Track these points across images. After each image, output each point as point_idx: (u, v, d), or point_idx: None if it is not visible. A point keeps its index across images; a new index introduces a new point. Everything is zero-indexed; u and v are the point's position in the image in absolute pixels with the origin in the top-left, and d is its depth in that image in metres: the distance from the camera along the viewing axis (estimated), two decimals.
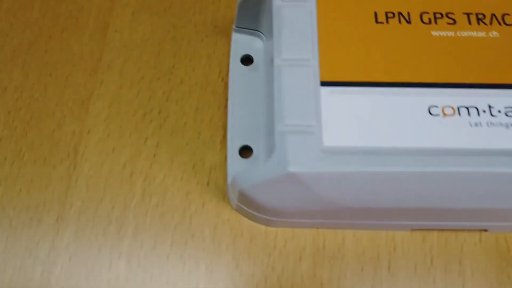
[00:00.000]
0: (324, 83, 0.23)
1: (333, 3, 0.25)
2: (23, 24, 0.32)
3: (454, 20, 0.25)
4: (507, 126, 0.22)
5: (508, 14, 0.25)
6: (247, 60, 0.30)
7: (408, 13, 0.25)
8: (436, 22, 0.25)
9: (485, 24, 0.25)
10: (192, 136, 0.29)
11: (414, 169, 0.21)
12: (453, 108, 0.23)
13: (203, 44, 0.32)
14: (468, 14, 0.25)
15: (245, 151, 0.28)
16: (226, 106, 0.30)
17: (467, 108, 0.23)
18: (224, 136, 0.29)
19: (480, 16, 0.25)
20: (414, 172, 0.22)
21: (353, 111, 0.23)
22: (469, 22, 0.25)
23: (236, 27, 0.30)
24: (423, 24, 0.25)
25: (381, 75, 0.24)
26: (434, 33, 0.25)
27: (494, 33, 0.25)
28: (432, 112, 0.23)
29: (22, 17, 0.33)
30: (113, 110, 0.30)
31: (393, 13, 0.25)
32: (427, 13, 0.25)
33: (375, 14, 0.25)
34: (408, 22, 0.25)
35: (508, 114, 0.23)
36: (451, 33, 0.25)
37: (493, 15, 0.25)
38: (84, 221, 0.27)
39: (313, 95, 0.23)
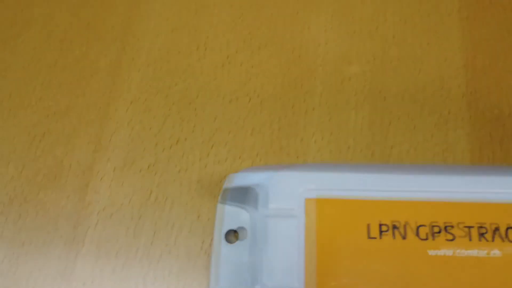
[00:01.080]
0: None
1: (324, 217, 0.23)
2: None
3: (453, 235, 0.23)
4: None
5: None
6: (233, 234, 0.28)
7: (405, 226, 0.23)
8: (433, 238, 0.23)
9: (487, 240, 0.23)
10: None
11: None
12: None
13: (187, 207, 0.30)
14: (469, 228, 0.23)
15: None
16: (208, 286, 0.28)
17: None
18: None
19: (482, 230, 0.23)
20: None
21: None
22: (470, 238, 0.23)
23: (221, 202, 0.28)
24: (419, 240, 0.23)
25: None
26: (430, 252, 0.22)
27: (496, 252, 0.22)
28: None
29: None
30: None
31: (388, 227, 0.23)
32: (424, 226, 0.23)
33: (368, 227, 0.23)
34: (403, 237, 0.23)
35: None
36: (449, 252, 0.22)
37: (496, 229, 0.23)
38: None
39: None
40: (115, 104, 0.33)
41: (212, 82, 0.34)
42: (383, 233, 0.23)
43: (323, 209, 0.23)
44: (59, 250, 0.29)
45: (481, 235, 0.23)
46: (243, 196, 0.26)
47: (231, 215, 0.28)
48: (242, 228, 0.28)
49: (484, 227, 0.23)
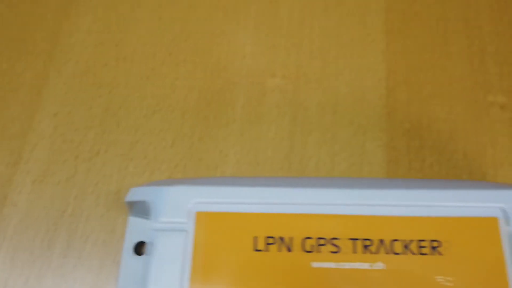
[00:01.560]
0: None
1: (212, 230, 0.24)
2: None
3: (338, 247, 0.23)
4: None
5: (397, 240, 0.24)
6: (142, 246, 0.29)
7: (291, 239, 0.23)
8: (318, 250, 0.23)
9: (371, 252, 0.23)
10: None
11: None
12: None
13: (102, 220, 0.30)
14: (354, 240, 0.24)
15: None
16: None
17: None
18: None
19: (367, 243, 0.23)
20: None
21: None
22: (354, 251, 0.23)
23: (132, 214, 0.29)
24: (304, 252, 0.23)
25: None
26: (314, 264, 0.23)
27: (379, 265, 0.23)
28: None
29: None
30: None
31: (274, 239, 0.23)
32: (311, 238, 0.23)
33: (255, 240, 0.23)
34: (289, 250, 0.23)
35: None
36: (332, 265, 0.23)
37: (381, 241, 0.23)
38: None
39: None
40: (39, 116, 0.34)
41: (136, 94, 0.34)
42: (269, 245, 0.23)
43: (212, 223, 0.24)
44: None
45: (366, 247, 0.23)
46: (146, 209, 0.27)
47: (142, 226, 0.29)
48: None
49: (369, 240, 0.24)
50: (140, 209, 0.27)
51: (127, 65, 0.35)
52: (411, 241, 0.23)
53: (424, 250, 0.23)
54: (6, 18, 0.37)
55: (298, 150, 0.33)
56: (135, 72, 0.35)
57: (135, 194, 0.26)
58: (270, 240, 0.23)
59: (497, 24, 0.37)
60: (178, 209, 0.24)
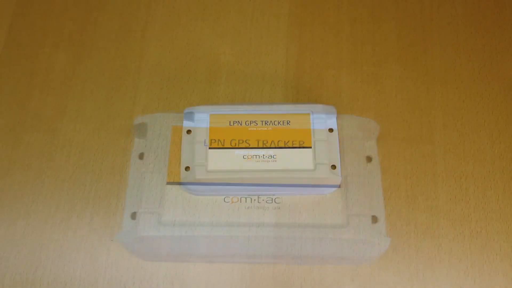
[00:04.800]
0: (168, 183, 0.42)
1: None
2: None
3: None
4: (264, 209, 0.41)
5: (280, 141, 0.44)
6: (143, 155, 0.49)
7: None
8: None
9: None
10: (105, 204, 0.48)
11: (210, 233, 0.40)
12: (238, 198, 0.41)
13: (119, 142, 0.50)
14: (258, 141, 0.44)
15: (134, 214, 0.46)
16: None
17: (245, 198, 0.41)
18: None
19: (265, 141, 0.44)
20: (210, 235, 0.40)
21: (183, 201, 0.41)
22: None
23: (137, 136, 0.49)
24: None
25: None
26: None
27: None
28: (225, 201, 0.41)
29: None
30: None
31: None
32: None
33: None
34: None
35: (268, 202, 0.41)
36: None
37: (272, 141, 0.44)
38: None
39: (160, 190, 0.42)
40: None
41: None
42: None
43: (177, 131, 0.44)
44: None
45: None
46: (145, 130, 0.47)
47: (143, 143, 0.49)
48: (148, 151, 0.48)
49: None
50: (142, 131, 0.47)
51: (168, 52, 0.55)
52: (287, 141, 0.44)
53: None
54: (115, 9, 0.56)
55: (239, 98, 0.53)
56: (175, 59, 0.55)
57: (137, 119, 0.46)
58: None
59: (375, 23, 0.57)
60: (164, 125, 0.44)
